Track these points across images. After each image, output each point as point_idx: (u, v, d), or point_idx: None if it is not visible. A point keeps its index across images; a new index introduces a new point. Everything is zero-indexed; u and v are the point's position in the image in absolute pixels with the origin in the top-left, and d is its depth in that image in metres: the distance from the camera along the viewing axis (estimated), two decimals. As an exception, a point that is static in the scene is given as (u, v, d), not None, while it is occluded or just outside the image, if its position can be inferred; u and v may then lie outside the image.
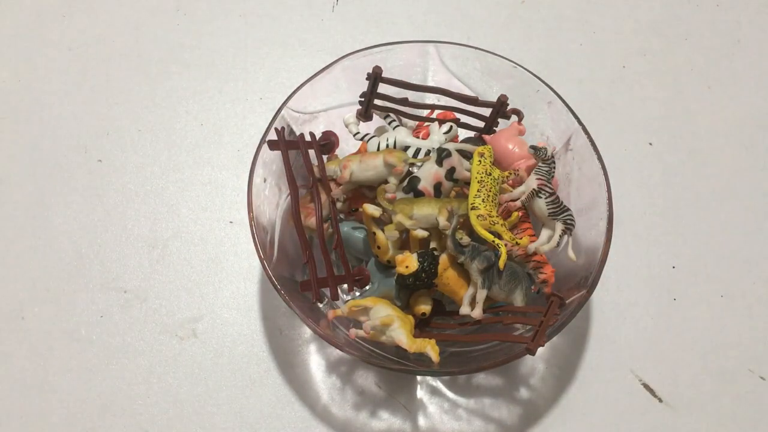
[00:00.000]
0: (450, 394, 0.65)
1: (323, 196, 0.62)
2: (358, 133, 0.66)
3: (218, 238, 0.72)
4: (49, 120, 0.79)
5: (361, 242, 0.63)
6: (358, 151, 0.67)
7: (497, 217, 0.57)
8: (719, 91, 0.83)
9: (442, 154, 0.60)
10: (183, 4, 0.88)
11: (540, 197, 0.59)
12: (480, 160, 0.59)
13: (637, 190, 0.76)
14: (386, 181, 0.61)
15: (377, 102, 0.65)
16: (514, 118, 0.65)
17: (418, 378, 0.65)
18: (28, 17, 0.87)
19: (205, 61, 0.84)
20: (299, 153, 0.62)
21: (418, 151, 0.63)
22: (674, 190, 0.76)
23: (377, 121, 0.68)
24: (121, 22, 0.87)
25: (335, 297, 0.61)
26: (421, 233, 0.58)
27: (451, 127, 0.65)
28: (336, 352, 0.66)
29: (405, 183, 0.61)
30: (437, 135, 0.65)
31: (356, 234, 0.63)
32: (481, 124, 0.66)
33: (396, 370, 0.57)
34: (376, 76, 0.62)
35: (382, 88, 0.63)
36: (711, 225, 0.74)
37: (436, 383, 0.65)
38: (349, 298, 0.64)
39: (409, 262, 0.56)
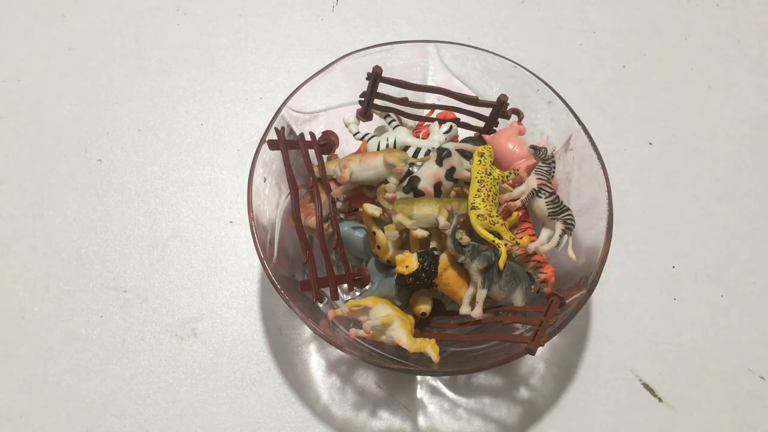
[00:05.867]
0: (450, 394, 0.65)
1: (323, 196, 0.62)
2: (358, 132, 0.66)
3: (218, 238, 0.72)
4: (49, 120, 0.79)
5: (361, 242, 0.63)
6: (358, 151, 0.67)
7: (497, 216, 0.57)
8: (719, 91, 0.83)
9: (442, 154, 0.60)
10: (183, 4, 0.88)
11: (540, 197, 0.59)
12: (480, 160, 0.59)
13: (637, 190, 0.76)
14: (386, 181, 0.61)
15: (377, 102, 0.65)
16: (514, 117, 0.65)
17: (418, 378, 0.65)
18: (28, 17, 0.87)
19: (205, 61, 0.84)
20: (299, 153, 0.62)
21: (418, 150, 0.63)
22: (674, 190, 0.76)
23: (377, 120, 0.68)
24: (121, 22, 0.87)
25: (335, 297, 0.61)
26: (421, 233, 0.58)
27: (451, 126, 0.65)
28: (336, 352, 0.66)
29: (405, 183, 0.61)
30: (437, 135, 0.65)
31: (356, 234, 0.63)
32: (481, 123, 0.66)
33: (396, 369, 0.57)
34: (376, 76, 0.62)
35: (382, 88, 0.63)
36: (711, 225, 0.74)
37: (436, 383, 0.65)
38: (349, 298, 0.64)
39: (409, 262, 0.56)
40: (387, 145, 0.64)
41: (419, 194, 0.60)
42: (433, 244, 0.60)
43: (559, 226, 0.59)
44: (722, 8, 0.90)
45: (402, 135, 0.65)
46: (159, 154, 0.77)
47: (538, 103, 0.64)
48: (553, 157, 0.60)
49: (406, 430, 0.63)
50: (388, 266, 0.61)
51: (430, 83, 0.67)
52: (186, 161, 0.77)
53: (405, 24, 0.87)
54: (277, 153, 0.61)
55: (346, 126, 0.67)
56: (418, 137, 0.66)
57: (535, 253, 0.59)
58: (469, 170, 0.60)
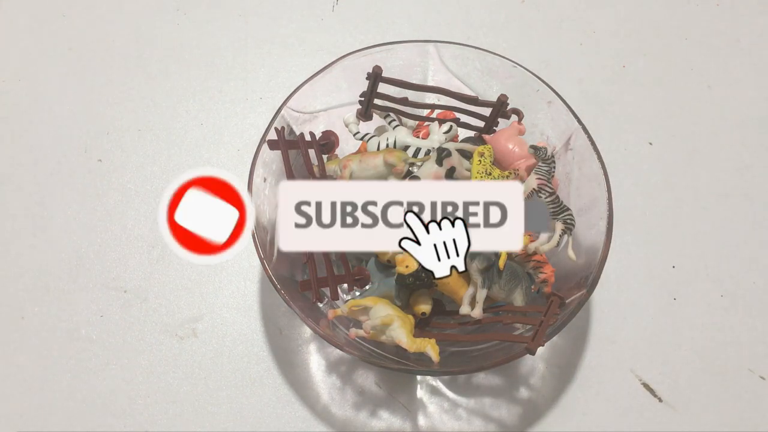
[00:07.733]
0: (450, 394, 0.65)
1: (323, 196, 0.62)
2: (358, 132, 0.66)
3: (218, 238, 0.72)
4: (49, 120, 0.79)
5: (361, 242, 0.63)
6: (358, 151, 0.67)
7: (497, 216, 0.57)
8: (719, 91, 0.83)
9: (442, 154, 0.60)
10: (183, 4, 0.88)
11: (540, 197, 0.59)
12: (480, 160, 0.59)
13: (637, 190, 0.76)
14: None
15: (377, 102, 0.65)
16: (514, 117, 0.65)
17: (418, 378, 0.65)
18: (28, 17, 0.87)
19: (205, 61, 0.84)
20: (299, 153, 0.62)
21: (418, 150, 0.63)
22: (674, 190, 0.76)
23: (377, 120, 0.68)
24: (121, 22, 0.87)
25: (335, 297, 0.61)
26: (421, 233, 0.58)
27: (451, 126, 0.65)
28: (336, 352, 0.66)
29: (405, 183, 0.61)
30: (437, 134, 0.65)
31: (356, 234, 0.63)
32: (481, 123, 0.66)
33: (396, 369, 0.57)
34: (376, 76, 0.62)
35: (382, 88, 0.63)
36: (711, 225, 0.74)
37: (436, 383, 0.65)
38: (349, 297, 0.64)
39: (409, 262, 0.56)
40: (387, 145, 0.64)
41: (419, 194, 0.60)
42: (433, 244, 0.60)
43: (559, 226, 0.59)
44: (722, 8, 0.90)
45: (402, 135, 0.65)
46: (159, 154, 0.77)
47: (538, 103, 0.64)
48: (553, 157, 0.60)
49: (406, 430, 0.63)
50: (388, 266, 0.61)
51: (430, 83, 0.67)
52: (186, 161, 0.77)
53: (405, 24, 0.87)
54: (277, 153, 0.61)
55: (346, 126, 0.67)
56: (418, 137, 0.66)
57: (535, 253, 0.59)
58: (469, 170, 0.60)
